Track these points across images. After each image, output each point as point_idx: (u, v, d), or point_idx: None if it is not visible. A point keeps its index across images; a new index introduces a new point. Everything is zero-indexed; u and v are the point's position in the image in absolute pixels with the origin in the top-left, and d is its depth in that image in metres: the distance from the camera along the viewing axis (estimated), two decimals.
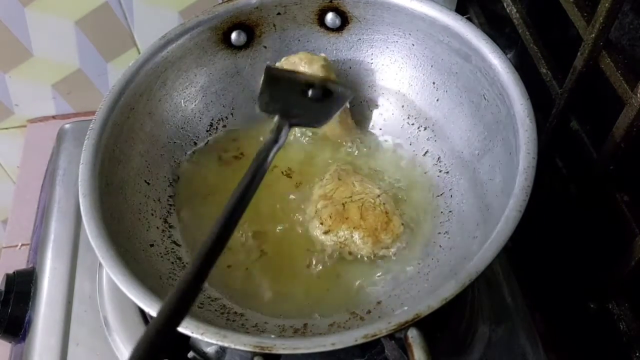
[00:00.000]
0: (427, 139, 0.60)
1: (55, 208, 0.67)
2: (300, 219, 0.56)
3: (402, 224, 0.54)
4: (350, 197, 0.55)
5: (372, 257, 0.53)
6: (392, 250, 0.53)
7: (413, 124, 0.61)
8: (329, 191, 0.56)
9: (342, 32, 0.62)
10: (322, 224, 0.54)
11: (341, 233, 0.53)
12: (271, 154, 0.40)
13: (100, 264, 0.59)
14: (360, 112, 0.64)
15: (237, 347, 0.38)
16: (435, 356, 0.38)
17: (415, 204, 0.57)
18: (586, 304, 0.53)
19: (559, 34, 0.59)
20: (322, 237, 0.53)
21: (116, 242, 0.44)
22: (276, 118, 0.44)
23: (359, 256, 0.53)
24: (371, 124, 0.63)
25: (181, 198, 0.57)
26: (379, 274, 0.53)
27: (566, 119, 0.55)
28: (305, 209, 0.57)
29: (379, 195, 0.55)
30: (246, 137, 0.63)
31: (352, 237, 0.53)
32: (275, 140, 0.41)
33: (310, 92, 0.47)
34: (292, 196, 0.58)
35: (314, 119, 0.48)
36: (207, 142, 0.61)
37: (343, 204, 0.54)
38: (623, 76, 0.45)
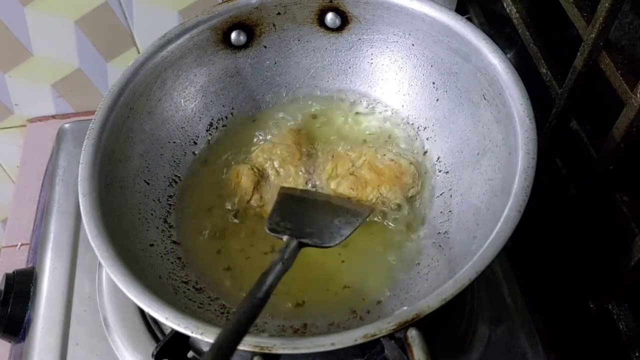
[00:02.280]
0: (427, 139, 0.60)
1: (55, 208, 0.67)
2: None
3: (410, 163, 0.57)
4: (353, 164, 0.57)
5: (405, 201, 0.55)
6: (417, 187, 0.56)
7: (413, 124, 0.61)
8: (332, 171, 0.57)
9: (342, 32, 0.62)
10: (349, 198, 0.55)
11: (371, 196, 0.55)
12: (274, 276, 0.38)
13: (100, 264, 0.60)
14: (360, 112, 0.64)
15: (238, 347, 0.38)
16: (434, 356, 0.38)
17: (415, 204, 0.57)
18: (586, 304, 0.53)
19: (558, 34, 0.59)
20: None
21: (116, 242, 0.44)
22: (285, 238, 0.43)
23: (394, 207, 0.55)
24: (371, 123, 0.63)
25: (181, 198, 0.57)
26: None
27: (566, 119, 0.55)
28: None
29: (376, 150, 0.58)
30: (246, 136, 0.63)
31: (381, 194, 0.55)
32: (280, 261, 0.40)
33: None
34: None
35: (327, 238, 0.45)
36: (207, 142, 0.61)
37: (352, 173, 0.56)
38: (623, 76, 0.45)
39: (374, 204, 0.55)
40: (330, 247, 0.45)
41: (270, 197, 0.56)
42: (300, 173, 0.57)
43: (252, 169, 0.58)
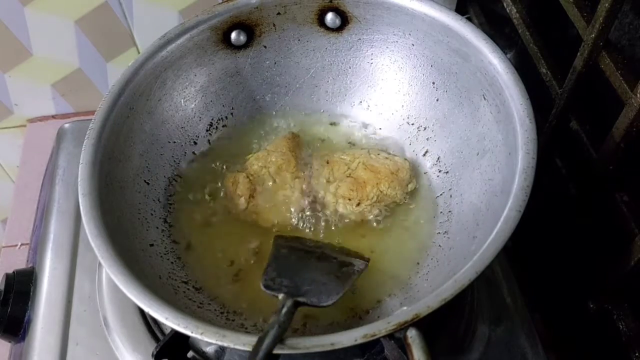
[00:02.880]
0: (427, 139, 0.60)
1: (54, 208, 0.67)
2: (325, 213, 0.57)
3: (405, 159, 0.58)
4: (348, 167, 0.57)
5: (405, 197, 0.57)
6: (415, 182, 0.57)
7: (413, 124, 0.61)
8: (329, 175, 0.57)
9: (342, 32, 0.62)
10: (350, 199, 0.55)
11: (371, 194, 0.55)
12: (271, 340, 0.37)
13: (99, 264, 0.60)
14: (359, 112, 0.64)
15: (237, 346, 0.38)
16: (434, 356, 0.38)
17: (415, 204, 0.57)
18: (586, 304, 0.53)
19: (558, 34, 0.59)
20: (358, 209, 0.55)
21: (116, 241, 0.44)
22: (281, 296, 0.42)
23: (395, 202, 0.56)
24: (371, 123, 0.63)
25: (181, 198, 0.57)
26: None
27: (566, 119, 0.55)
28: (322, 201, 0.57)
29: (369, 152, 0.58)
30: (246, 136, 0.63)
31: (380, 191, 0.55)
32: (277, 324, 0.38)
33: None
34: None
35: (324, 296, 0.44)
36: (207, 142, 0.61)
37: (349, 175, 0.57)
38: (623, 76, 0.45)
39: (375, 202, 0.55)
40: (326, 306, 0.44)
41: (267, 205, 0.56)
42: (296, 180, 0.57)
43: (248, 177, 0.57)
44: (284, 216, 0.56)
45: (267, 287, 0.44)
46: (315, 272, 0.47)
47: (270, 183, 0.57)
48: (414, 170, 0.58)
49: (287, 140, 0.60)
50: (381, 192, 0.56)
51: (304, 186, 0.57)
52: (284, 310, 0.40)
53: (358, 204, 0.56)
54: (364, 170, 0.57)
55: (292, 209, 0.56)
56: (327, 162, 0.59)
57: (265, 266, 0.47)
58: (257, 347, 0.37)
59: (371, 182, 0.56)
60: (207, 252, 0.54)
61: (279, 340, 0.37)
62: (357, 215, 0.56)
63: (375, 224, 0.56)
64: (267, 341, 0.37)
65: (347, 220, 0.56)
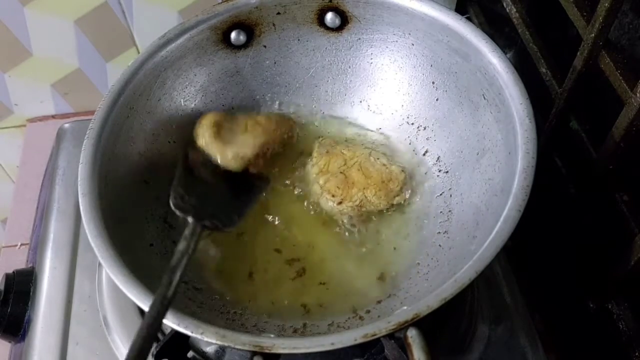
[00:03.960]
0: (427, 139, 0.60)
1: (54, 207, 0.67)
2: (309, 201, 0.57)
3: (402, 170, 0.58)
4: (345, 164, 0.57)
5: (390, 208, 0.56)
6: (405, 195, 0.57)
7: (413, 124, 0.61)
8: (323, 166, 0.58)
9: (341, 32, 0.62)
10: (333, 196, 0.56)
11: (355, 197, 0.55)
12: (181, 270, 0.39)
13: (99, 264, 0.60)
14: (359, 112, 0.64)
15: (237, 346, 0.38)
16: (434, 356, 0.38)
17: (415, 203, 0.57)
18: (586, 304, 0.53)
19: (558, 33, 0.59)
20: (338, 207, 0.55)
21: (116, 242, 0.44)
22: (190, 219, 0.42)
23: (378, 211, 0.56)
24: (371, 123, 0.63)
25: None
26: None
27: (566, 118, 0.55)
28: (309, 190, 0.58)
29: (370, 154, 0.58)
30: None
31: (365, 197, 0.55)
32: (187, 252, 0.40)
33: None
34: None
35: (228, 219, 0.45)
36: None
37: (342, 172, 0.57)
38: (622, 76, 0.45)
39: (357, 206, 0.55)
40: (229, 230, 0.45)
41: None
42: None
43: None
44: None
45: (176, 205, 0.44)
46: (219, 194, 0.47)
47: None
48: (409, 184, 0.58)
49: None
50: (366, 197, 0.56)
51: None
52: (194, 237, 0.41)
53: (340, 203, 0.56)
54: (357, 171, 0.57)
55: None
56: (327, 152, 0.59)
57: (175, 181, 0.47)
58: (169, 275, 0.38)
59: (359, 185, 0.56)
60: (207, 252, 0.54)
61: (187, 262, 0.39)
62: (335, 213, 0.56)
63: (342, 227, 0.56)
64: (178, 272, 0.38)
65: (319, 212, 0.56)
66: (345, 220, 0.56)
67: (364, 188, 0.56)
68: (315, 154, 0.59)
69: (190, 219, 0.43)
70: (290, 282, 0.52)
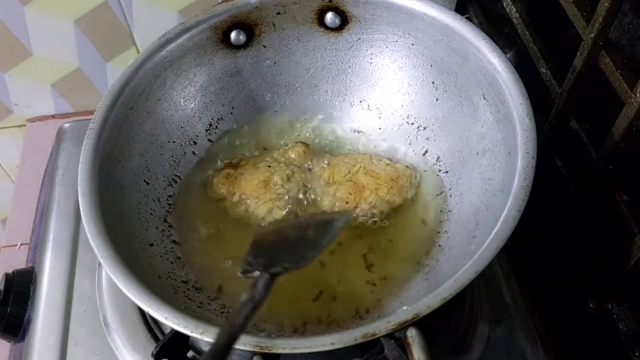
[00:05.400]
0: (427, 139, 0.60)
1: (54, 207, 0.67)
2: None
3: (407, 166, 0.58)
4: (349, 171, 0.57)
5: (408, 202, 0.56)
6: (415, 190, 0.57)
7: (412, 124, 0.61)
8: (329, 178, 0.58)
9: (341, 32, 0.62)
10: (347, 203, 0.55)
11: (370, 199, 0.55)
12: (243, 318, 0.36)
13: (99, 264, 0.60)
14: (359, 112, 0.64)
15: (237, 346, 0.38)
16: (434, 356, 0.38)
17: (415, 203, 0.57)
18: (585, 304, 0.53)
19: (558, 33, 0.59)
20: (354, 212, 0.55)
21: (116, 241, 0.44)
22: (256, 274, 0.40)
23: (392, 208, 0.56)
24: (371, 123, 0.63)
25: (181, 198, 0.57)
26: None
27: (565, 118, 0.55)
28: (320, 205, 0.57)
29: (370, 156, 0.58)
30: (246, 136, 0.63)
31: (379, 196, 0.55)
32: (250, 301, 0.37)
33: None
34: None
35: (300, 257, 0.42)
36: (207, 142, 0.61)
37: (349, 179, 0.57)
38: (622, 76, 0.45)
39: (373, 206, 0.55)
40: (303, 265, 0.42)
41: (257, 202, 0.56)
42: (295, 182, 0.57)
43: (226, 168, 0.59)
44: (276, 212, 0.56)
45: (244, 272, 0.42)
46: (291, 242, 0.45)
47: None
48: (415, 179, 0.58)
49: (296, 152, 0.60)
50: (379, 197, 0.56)
51: (303, 187, 0.57)
52: (258, 287, 0.38)
53: (355, 207, 0.55)
54: (364, 175, 0.57)
55: (284, 205, 0.56)
56: (328, 164, 0.59)
57: (245, 255, 0.45)
58: (230, 325, 0.35)
59: (370, 187, 0.56)
60: (207, 252, 0.54)
61: (251, 317, 0.36)
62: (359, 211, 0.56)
63: (370, 224, 0.56)
64: (240, 319, 0.35)
65: None
66: (369, 216, 0.56)
67: (375, 189, 0.56)
68: (317, 169, 0.59)
69: (256, 274, 0.40)
70: (290, 283, 0.52)
